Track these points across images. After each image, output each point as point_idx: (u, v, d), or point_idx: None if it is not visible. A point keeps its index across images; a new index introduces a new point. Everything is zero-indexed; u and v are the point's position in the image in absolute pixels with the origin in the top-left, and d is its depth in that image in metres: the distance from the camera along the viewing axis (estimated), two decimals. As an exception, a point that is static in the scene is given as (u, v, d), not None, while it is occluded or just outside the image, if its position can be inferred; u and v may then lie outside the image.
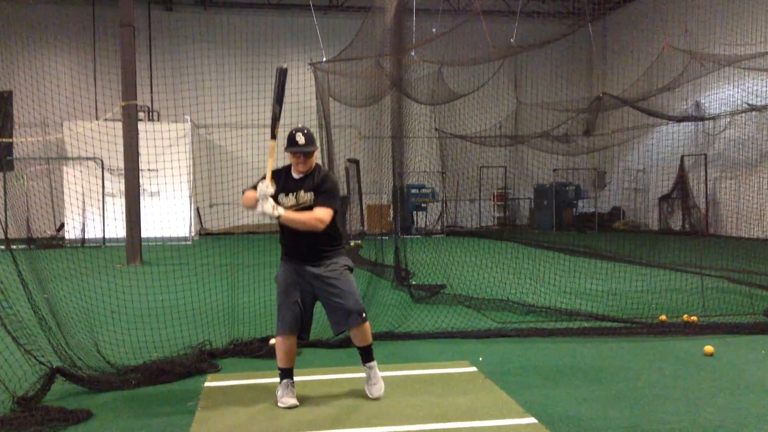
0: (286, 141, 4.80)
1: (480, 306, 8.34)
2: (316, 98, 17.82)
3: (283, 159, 4.90)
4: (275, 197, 4.73)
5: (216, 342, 6.46)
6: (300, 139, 4.74)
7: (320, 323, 7.11)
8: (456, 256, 12.77)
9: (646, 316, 7.59)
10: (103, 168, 18.13)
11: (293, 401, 4.74)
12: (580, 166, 24.80)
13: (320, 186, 4.80)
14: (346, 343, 6.40)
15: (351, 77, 16.73)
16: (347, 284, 4.83)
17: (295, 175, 4.86)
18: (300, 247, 4.86)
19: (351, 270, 4.96)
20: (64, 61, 21.31)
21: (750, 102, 17.37)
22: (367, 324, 4.91)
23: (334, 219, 4.90)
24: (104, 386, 5.16)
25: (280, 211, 4.63)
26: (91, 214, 18.51)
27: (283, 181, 4.83)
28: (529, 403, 4.78)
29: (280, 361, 4.83)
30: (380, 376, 4.99)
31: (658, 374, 5.53)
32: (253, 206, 4.67)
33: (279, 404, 4.74)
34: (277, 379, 4.84)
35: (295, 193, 4.80)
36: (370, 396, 4.90)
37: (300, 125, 4.88)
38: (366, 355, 4.98)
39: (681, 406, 4.74)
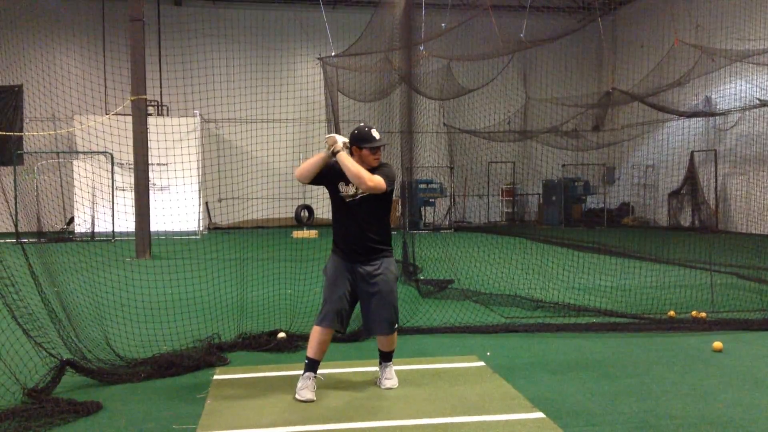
0: (356, 138, 4.85)
1: (488, 301, 8.34)
2: (325, 93, 17.82)
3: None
4: (335, 183, 4.87)
5: (225, 335, 6.48)
6: (377, 134, 4.87)
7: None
8: (464, 252, 12.77)
9: (655, 312, 7.58)
10: (112, 162, 18.19)
11: (311, 396, 4.73)
12: (589, 162, 24.70)
13: (378, 168, 4.88)
14: (354, 338, 6.43)
15: (360, 72, 16.71)
16: (390, 294, 4.91)
17: None
18: (351, 239, 4.90)
19: (396, 279, 5.04)
20: (74, 55, 21.37)
21: (761, 97, 17.25)
22: (394, 335, 5.05)
23: (387, 217, 4.97)
24: (114, 379, 5.20)
25: (344, 148, 4.76)
26: (101, 207, 18.59)
27: (342, 171, 4.84)
28: (537, 397, 4.78)
29: (311, 350, 4.85)
30: (395, 375, 5.11)
31: (666, 370, 5.52)
32: (328, 143, 4.80)
33: (296, 395, 4.74)
34: (285, 372, 4.85)
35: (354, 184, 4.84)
36: (381, 387, 5.01)
37: (361, 123, 4.95)
38: (386, 357, 5.13)
39: (690, 401, 4.73)
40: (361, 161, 4.85)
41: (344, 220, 4.94)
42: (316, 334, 4.85)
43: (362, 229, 4.87)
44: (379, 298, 4.87)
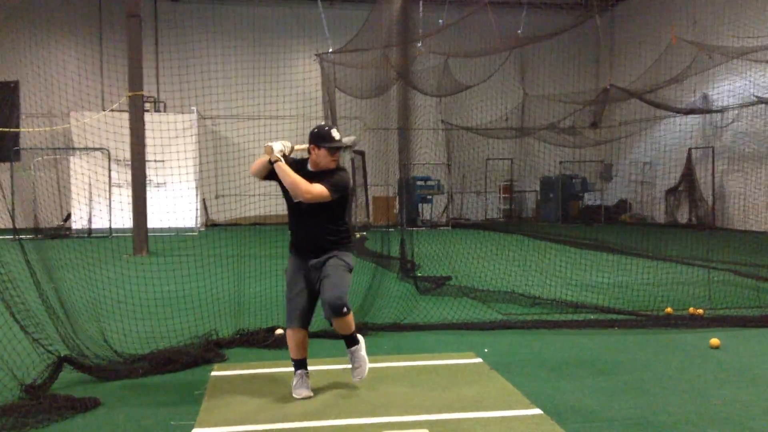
0: (315, 136, 4.76)
1: (485, 298, 8.34)
2: (322, 89, 17.81)
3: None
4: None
5: (222, 332, 6.48)
6: (337, 135, 4.77)
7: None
8: (461, 248, 12.77)
9: (653, 309, 7.58)
10: (109, 158, 18.16)
11: (307, 392, 4.75)
12: (587, 159, 24.72)
13: (330, 175, 4.78)
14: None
15: (357, 68, 16.70)
16: (337, 278, 4.74)
17: (312, 169, 4.84)
18: (304, 240, 4.88)
19: (350, 270, 4.91)
20: (70, 51, 21.31)
21: (758, 94, 17.27)
22: (348, 318, 4.74)
23: (339, 218, 4.89)
24: (111, 375, 5.20)
25: (280, 157, 4.66)
26: (98, 204, 18.56)
27: (300, 171, 4.79)
28: (535, 394, 4.78)
29: (292, 352, 4.85)
30: (365, 360, 4.86)
31: (664, 366, 5.53)
32: (265, 151, 4.71)
33: (294, 395, 4.75)
34: (283, 369, 4.85)
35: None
36: (353, 380, 4.87)
37: (322, 123, 4.87)
38: (348, 341, 4.87)
39: (687, 398, 4.73)
40: (318, 161, 4.78)
41: (296, 219, 4.89)
42: (289, 336, 4.86)
43: (314, 229, 4.81)
44: (326, 282, 4.70)
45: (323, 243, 4.82)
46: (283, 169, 4.67)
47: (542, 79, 22.27)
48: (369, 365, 4.90)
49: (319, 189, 4.66)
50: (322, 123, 4.92)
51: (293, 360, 4.85)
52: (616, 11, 24.95)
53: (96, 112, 16.74)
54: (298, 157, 5.01)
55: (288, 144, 4.79)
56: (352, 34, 16.33)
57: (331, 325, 4.86)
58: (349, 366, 4.87)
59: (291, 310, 4.83)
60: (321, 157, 4.77)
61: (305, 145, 4.91)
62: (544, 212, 24.51)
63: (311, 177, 4.76)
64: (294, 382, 4.82)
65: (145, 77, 14.44)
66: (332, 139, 4.75)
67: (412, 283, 9.32)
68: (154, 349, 5.82)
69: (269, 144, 4.72)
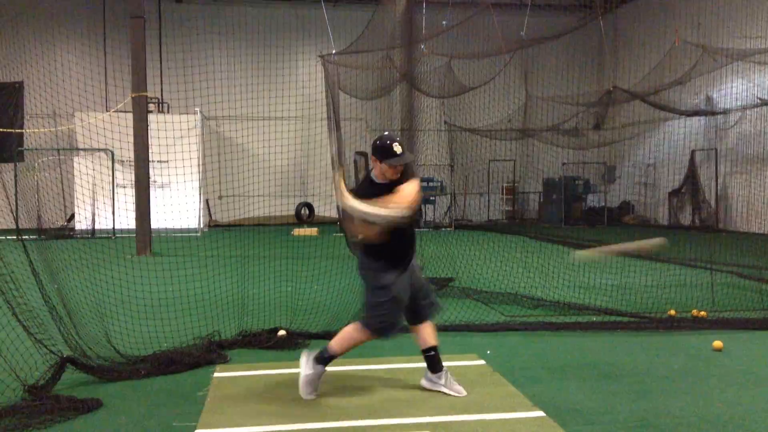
0: (377, 150, 4.54)
1: (488, 299, 8.34)
2: (325, 91, 17.81)
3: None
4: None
5: (225, 333, 6.48)
6: (399, 149, 4.51)
7: (329, 315, 7.13)
8: (464, 250, 12.76)
9: (655, 311, 7.57)
10: (113, 159, 18.20)
11: (311, 394, 4.75)
12: (590, 160, 24.68)
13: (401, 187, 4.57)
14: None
15: (360, 70, 16.70)
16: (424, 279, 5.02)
17: (380, 181, 4.64)
18: (407, 247, 4.74)
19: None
20: (75, 52, 21.36)
21: (762, 96, 17.24)
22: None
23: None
24: (114, 376, 5.20)
25: (352, 204, 4.41)
26: (102, 204, 18.59)
27: (366, 190, 4.60)
28: (537, 396, 4.78)
29: (341, 348, 4.82)
30: (454, 382, 4.89)
31: (666, 369, 5.52)
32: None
33: (300, 393, 4.74)
34: (286, 370, 4.84)
35: (381, 199, 4.48)
36: (459, 394, 4.81)
37: (386, 132, 4.79)
38: (431, 361, 4.93)
39: (689, 400, 4.73)
40: (383, 173, 4.58)
41: (396, 230, 4.51)
42: (367, 339, 4.87)
43: (410, 234, 4.77)
44: (427, 285, 4.99)
45: (416, 242, 4.89)
46: (350, 205, 4.39)
47: (545, 80, 22.26)
48: (371, 366, 4.86)
49: (410, 189, 4.51)
50: (386, 133, 4.68)
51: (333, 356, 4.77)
52: (619, 12, 24.92)
53: (100, 112, 16.77)
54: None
55: (338, 180, 4.70)
56: (355, 36, 16.34)
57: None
58: (352, 367, 4.84)
59: (394, 323, 4.76)
60: (385, 170, 4.57)
61: (340, 172, 4.85)
62: (547, 214, 24.48)
63: (384, 189, 4.55)
64: (309, 378, 4.76)
65: (149, 78, 14.46)
66: (394, 154, 4.49)
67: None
68: (156, 349, 5.84)
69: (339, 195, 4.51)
